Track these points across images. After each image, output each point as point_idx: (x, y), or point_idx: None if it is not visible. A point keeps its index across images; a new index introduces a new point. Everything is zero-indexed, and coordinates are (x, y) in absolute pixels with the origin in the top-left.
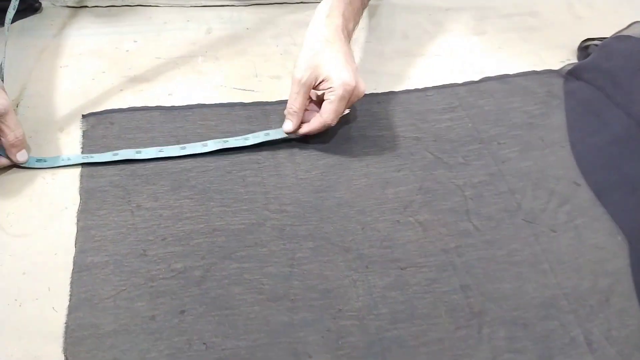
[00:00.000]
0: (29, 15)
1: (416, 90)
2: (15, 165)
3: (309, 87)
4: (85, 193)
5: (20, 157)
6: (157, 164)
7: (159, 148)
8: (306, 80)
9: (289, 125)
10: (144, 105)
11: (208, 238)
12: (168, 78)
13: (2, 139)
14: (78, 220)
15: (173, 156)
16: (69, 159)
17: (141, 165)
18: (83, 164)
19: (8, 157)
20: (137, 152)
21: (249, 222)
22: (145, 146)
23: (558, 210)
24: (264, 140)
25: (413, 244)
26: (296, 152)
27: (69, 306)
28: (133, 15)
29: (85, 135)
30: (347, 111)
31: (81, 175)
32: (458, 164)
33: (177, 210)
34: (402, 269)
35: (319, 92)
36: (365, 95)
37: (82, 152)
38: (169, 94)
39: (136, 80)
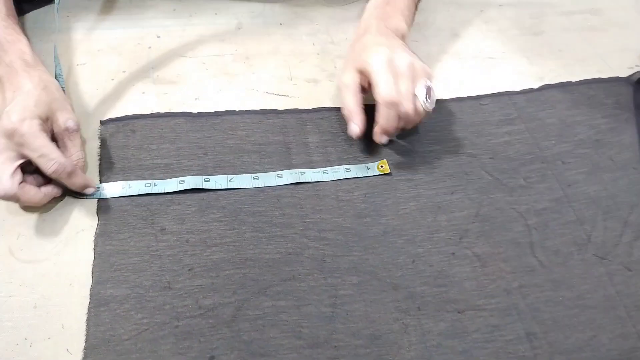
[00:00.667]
0: (43, 5)
1: (469, 98)
2: (72, 192)
3: (355, 88)
4: (104, 213)
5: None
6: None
7: (229, 177)
8: (350, 82)
9: (354, 128)
10: (168, 110)
11: (240, 269)
12: (194, 79)
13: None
14: (95, 245)
15: (245, 187)
16: (129, 187)
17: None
18: (101, 175)
19: (63, 186)
20: (206, 181)
21: (285, 251)
22: (169, 158)
23: (633, 244)
24: (345, 177)
25: (471, 281)
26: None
27: (85, 348)
28: (156, 7)
29: (103, 144)
30: (429, 104)
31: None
32: (519, 187)
33: (205, 235)
34: (459, 312)
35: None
36: None
37: (100, 162)
38: (195, 98)
39: (159, 81)
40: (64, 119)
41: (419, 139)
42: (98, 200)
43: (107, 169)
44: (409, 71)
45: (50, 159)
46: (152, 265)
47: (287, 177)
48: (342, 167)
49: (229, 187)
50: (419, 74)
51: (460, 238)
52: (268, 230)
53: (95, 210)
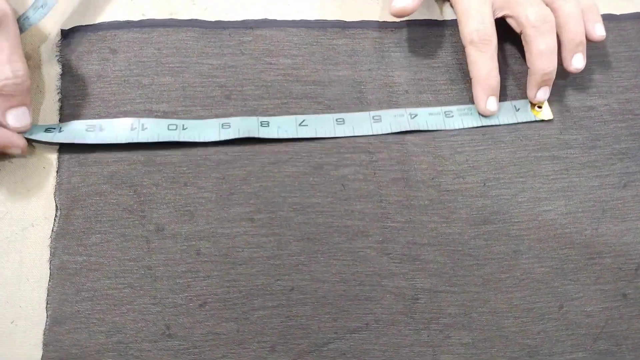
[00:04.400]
0: None
1: None
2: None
3: None
4: (67, 198)
5: (15, 119)
6: (192, 147)
7: (299, 119)
8: None
9: (493, 104)
10: (169, 15)
11: (281, 308)
12: None
13: None
14: (52, 255)
15: (325, 137)
16: (134, 127)
17: (168, 145)
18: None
19: None
20: (263, 125)
21: (353, 280)
22: (171, 101)
23: None
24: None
25: None
26: (436, 132)
27: None
28: None
29: (66, 72)
30: None
31: (60, 162)
32: None
33: (227, 242)
34: None
35: None
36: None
37: (62, 102)
38: None
39: None
40: None
41: (568, 85)
42: (58, 174)
43: (71, 116)
44: None
45: None
46: (140, 294)
47: (390, 121)
48: (456, 109)
49: (299, 136)
50: None
51: (636, 269)
52: (327, 240)
53: (53, 192)
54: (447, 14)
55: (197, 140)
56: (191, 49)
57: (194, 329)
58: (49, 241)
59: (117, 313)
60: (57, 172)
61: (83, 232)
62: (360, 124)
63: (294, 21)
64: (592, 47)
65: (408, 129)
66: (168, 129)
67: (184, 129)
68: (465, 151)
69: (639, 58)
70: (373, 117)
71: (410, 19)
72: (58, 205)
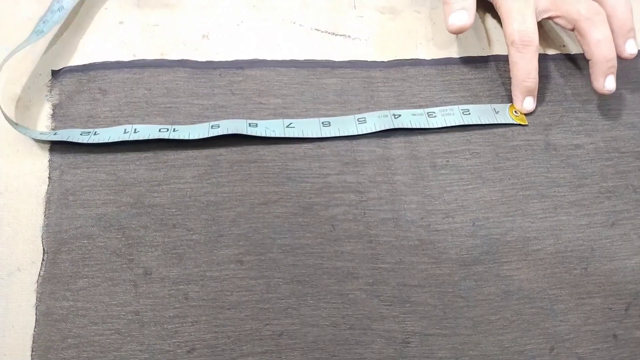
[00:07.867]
0: None
1: None
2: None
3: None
4: (54, 241)
5: None
6: (182, 188)
7: (286, 122)
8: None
9: (530, 103)
10: (160, 55)
11: (270, 354)
12: (202, 3)
13: None
14: (38, 300)
15: (311, 136)
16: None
17: (155, 186)
18: (51, 175)
19: None
20: (252, 126)
21: (343, 323)
22: (165, 142)
23: None
24: (462, 122)
25: None
26: (425, 168)
27: None
28: None
29: (56, 112)
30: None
31: (48, 202)
32: None
33: (216, 286)
34: None
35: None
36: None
37: (52, 142)
38: (203, 36)
39: (147, 3)
40: None
41: (554, 123)
42: (45, 215)
43: (61, 157)
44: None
45: None
46: (129, 339)
47: (374, 121)
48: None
49: (286, 136)
50: None
51: (626, 309)
52: (316, 282)
53: (41, 235)
54: (432, 53)
55: (186, 137)
56: (182, 89)
57: None
58: (35, 286)
59: None
60: (44, 214)
61: (70, 277)
62: (345, 125)
63: (283, 61)
64: (578, 86)
65: (392, 127)
66: (159, 131)
67: (174, 131)
68: (454, 190)
69: (624, 96)
70: (358, 119)
71: (398, 58)
72: (45, 248)
